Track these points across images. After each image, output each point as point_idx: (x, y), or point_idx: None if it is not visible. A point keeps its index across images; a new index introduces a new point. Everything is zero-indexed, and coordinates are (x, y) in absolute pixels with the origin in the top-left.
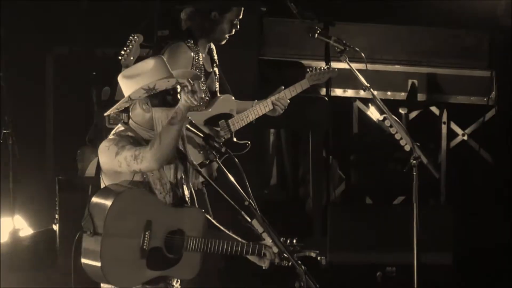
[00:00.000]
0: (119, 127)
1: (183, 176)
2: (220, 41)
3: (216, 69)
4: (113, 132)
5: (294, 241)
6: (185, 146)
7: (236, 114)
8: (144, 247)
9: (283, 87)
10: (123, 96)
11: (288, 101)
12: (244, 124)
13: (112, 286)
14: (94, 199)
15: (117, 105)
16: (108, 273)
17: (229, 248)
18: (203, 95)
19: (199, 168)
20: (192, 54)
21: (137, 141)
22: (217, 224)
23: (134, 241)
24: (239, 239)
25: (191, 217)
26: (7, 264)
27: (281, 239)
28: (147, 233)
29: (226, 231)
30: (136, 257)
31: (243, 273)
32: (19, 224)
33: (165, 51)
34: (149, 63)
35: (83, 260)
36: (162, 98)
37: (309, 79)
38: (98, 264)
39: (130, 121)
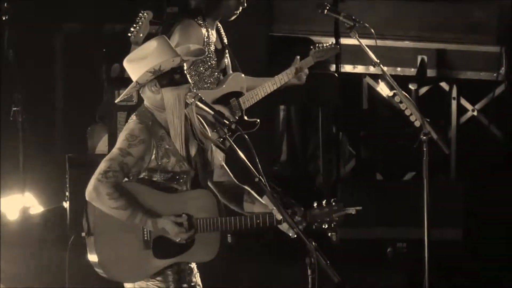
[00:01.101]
0: (141, 108)
1: (198, 155)
2: (228, 17)
3: (225, 47)
4: (136, 113)
5: (332, 201)
6: (198, 123)
7: (246, 92)
8: (146, 238)
9: (298, 56)
10: (132, 73)
11: (307, 71)
12: (254, 102)
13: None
14: None
15: (126, 92)
16: (111, 271)
17: (248, 222)
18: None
19: (219, 144)
20: (203, 31)
21: (154, 131)
22: (257, 196)
23: (132, 234)
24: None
25: (197, 199)
26: (17, 242)
27: (317, 202)
28: None
29: (262, 201)
30: (139, 250)
31: (253, 249)
32: (29, 201)
33: (175, 29)
34: (152, 45)
35: (90, 260)
36: (170, 77)
37: (313, 56)
38: (98, 263)
39: (145, 103)
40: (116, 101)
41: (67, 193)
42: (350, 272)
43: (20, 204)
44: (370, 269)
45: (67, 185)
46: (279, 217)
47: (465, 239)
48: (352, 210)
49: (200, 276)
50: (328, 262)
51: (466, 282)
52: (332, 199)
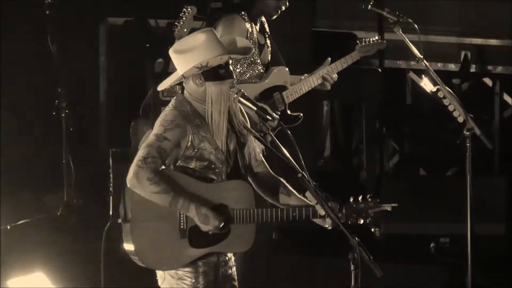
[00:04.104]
0: (178, 97)
1: (237, 147)
2: (271, 15)
3: (268, 41)
4: (172, 102)
5: (368, 197)
6: (244, 117)
7: (290, 86)
8: (182, 226)
9: (329, 58)
10: (176, 68)
11: (336, 75)
12: (297, 96)
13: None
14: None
15: (170, 82)
16: (146, 259)
17: (284, 214)
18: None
19: (259, 136)
20: (247, 25)
21: (190, 119)
22: (292, 189)
23: (168, 222)
24: (309, 202)
25: (234, 189)
26: (60, 237)
27: (353, 198)
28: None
29: (298, 195)
30: (175, 238)
31: (296, 244)
32: (73, 197)
33: (219, 23)
34: (200, 38)
35: (125, 247)
36: (215, 72)
37: (359, 51)
38: (134, 251)
39: (185, 92)
40: (158, 89)
41: (111, 188)
42: (393, 267)
43: (63, 199)
44: (413, 264)
45: (111, 180)
46: (322, 212)
47: (508, 234)
48: (387, 207)
49: (244, 270)
50: (371, 257)
51: (509, 277)
52: (368, 195)
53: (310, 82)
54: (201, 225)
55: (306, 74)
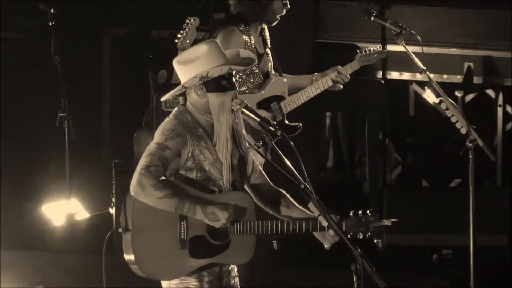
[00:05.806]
0: (179, 109)
1: (238, 159)
2: (271, 22)
3: (268, 50)
4: (173, 113)
5: (368, 212)
6: (241, 130)
7: (288, 96)
8: (182, 237)
9: (339, 66)
10: (179, 79)
11: (349, 76)
12: (296, 106)
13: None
14: (129, 194)
15: (171, 93)
16: (146, 268)
17: (284, 227)
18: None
19: (257, 149)
20: (245, 37)
21: (191, 129)
22: (292, 200)
23: (169, 232)
24: (310, 213)
25: (235, 201)
26: (63, 248)
27: (353, 212)
28: (182, 223)
29: (299, 207)
30: (175, 248)
31: (298, 255)
32: (75, 207)
33: (217, 35)
34: (202, 49)
35: (125, 257)
36: (217, 83)
37: (359, 60)
38: (134, 260)
39: (188, 103)
40: (162, 99)
41: (113, 199)
42: (395, 279)
43: (66, 210)
44: (416, 276)
45: (113, 191)
46: (325, 223)
47: (511, 246)
48: (388, 222)
49: (246, 281)
50: (373, 268)
51: None
52: (368, 210)
53: (308, 92)
54: (213, 224)
55: (316, 73)
